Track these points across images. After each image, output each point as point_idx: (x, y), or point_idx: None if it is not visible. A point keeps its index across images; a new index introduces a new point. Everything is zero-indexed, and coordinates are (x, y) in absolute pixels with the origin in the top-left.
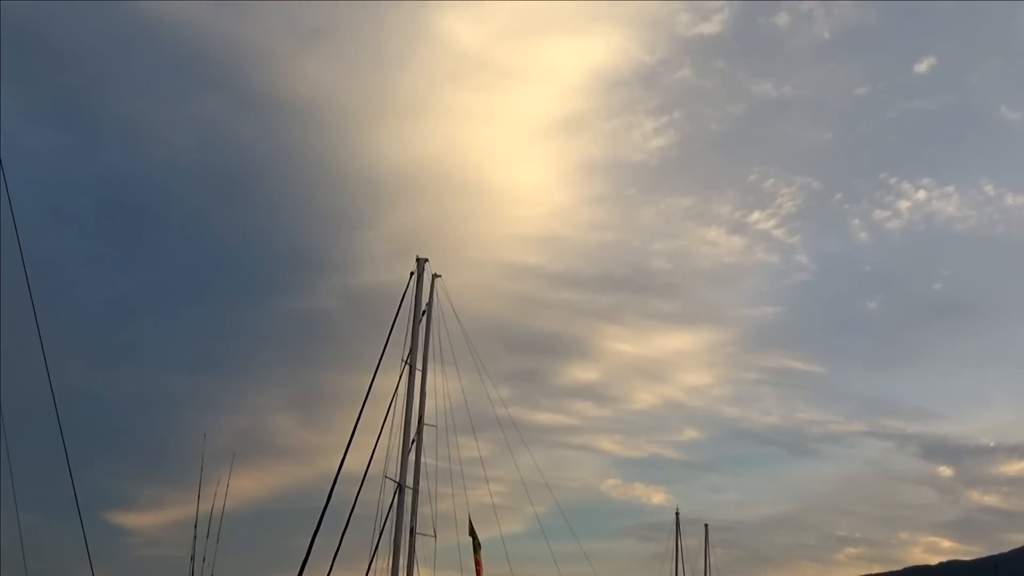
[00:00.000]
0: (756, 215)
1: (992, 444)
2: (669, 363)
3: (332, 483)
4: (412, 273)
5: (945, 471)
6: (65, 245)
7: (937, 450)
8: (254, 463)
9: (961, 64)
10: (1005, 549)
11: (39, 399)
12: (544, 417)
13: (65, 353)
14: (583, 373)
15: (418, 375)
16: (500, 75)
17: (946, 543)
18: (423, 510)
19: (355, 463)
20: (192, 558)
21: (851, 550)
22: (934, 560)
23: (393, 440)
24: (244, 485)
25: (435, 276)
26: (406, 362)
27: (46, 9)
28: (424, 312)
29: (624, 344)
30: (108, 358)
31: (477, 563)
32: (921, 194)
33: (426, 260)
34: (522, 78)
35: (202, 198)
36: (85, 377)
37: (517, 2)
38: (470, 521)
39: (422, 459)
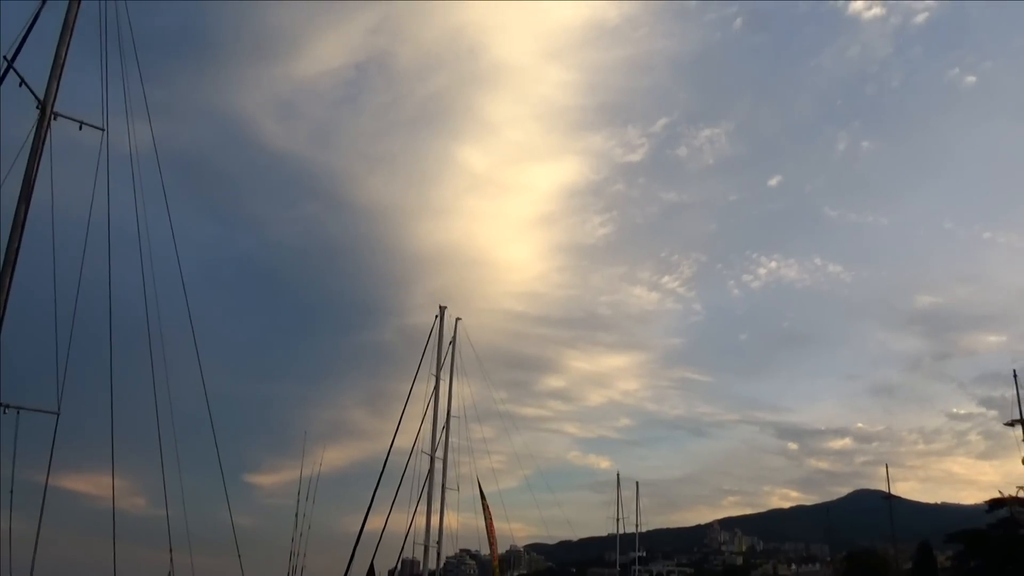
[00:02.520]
0: (666, 278)
1: (823, 428)
2: (611, 375)
3: (386, 455)
4: (436, 316)
5: (792, 446)
6: (217, 299)
7: (787, 432)
8: (339, 442)
9: (798, 180)
10: (833, 498)
11: (201, 402)
12: (529, 411)
13: (219, 371)
14: (554, 382)
15: (443, 384)
16: (500, 188)
17: (794, 493)
18: (450, 473)
19: (404, 442)
20: (297, 504)
21: (732, 498)
22: (787, 505)
23: (427, 426)
24: (333, 456)
25: (457, 319)
26: (434, 374)
27: (206, 144)
28: (451, 343)
29: (581, 363)
30: (246, 374)
31: (485, 508)
32: (773, 264)
33: (446, 307)
34: (514, 190)
35: (306, 269)
36: (232, 387)
37: (511, 139)
38: (478, 481)
39: (450, 439)
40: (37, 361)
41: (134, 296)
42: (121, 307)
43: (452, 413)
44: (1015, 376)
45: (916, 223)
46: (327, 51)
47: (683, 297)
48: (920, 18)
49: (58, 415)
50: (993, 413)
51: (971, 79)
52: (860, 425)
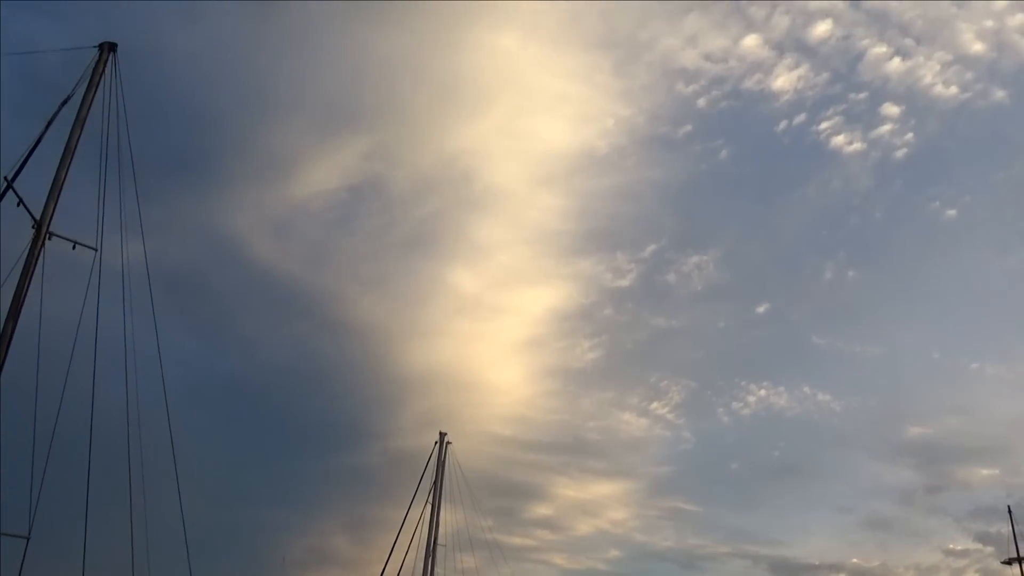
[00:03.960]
0: (655, 404)
1: (817, 563)
2: (600, 504)
3: None
4: (436, 442)
5: None
6: (201, 418)
7: (781, 567)
8: (321, 571)
9: (785, 308)
10: None
11: (177, 525)
12: (516, 540)
13: (199, 493)
14: (542, 510)
15: (432, 510)
16: (490, 311)
17: None
18: None
19: (388, 572)
20: None
21: None
22: None
23: (413, 555)
24: None
25: (447, 443)
26: (428, 501)
27: (198, 261)
28: (439, 468)
29: (569, 490)
30: (226, 496)
31: None
32: (762, 392)
33: (445, 433)
34: (504, 313)
35: (293, 389)
36: (212, 509)
37: (502, 263)
38: None
39: (435, 569)
40: (11, 481)
41: (116, 415)
42: (102, 424)
43: (439, 541)
44: (1010, 512)
45: (903, 353)
46: (322, 174)
47: (673, 424)
48: (900, 153)
49: (28, 539)
50: (990, 549)
51: (952, 212)
52: (855, 560)
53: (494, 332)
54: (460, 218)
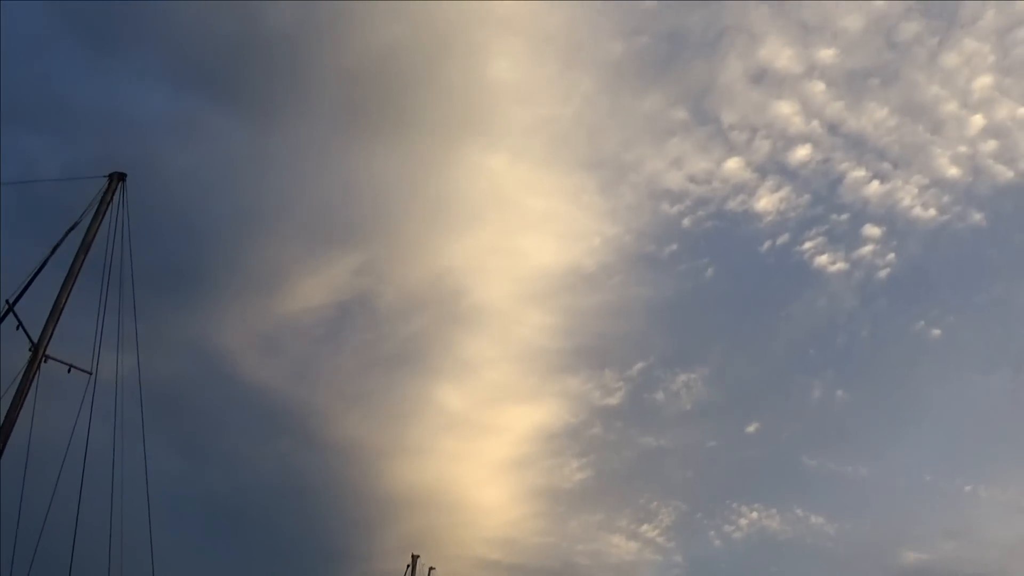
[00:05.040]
0: (645, 527)
1: None
2: None
3: None
4: (408, 565)
5: None
6: (178, 536)
7: None
8: None
9: (776, 428)
10: None
11: None
12: None
13: None
14: None
15: None
16: (476, 429)
17: None
18: None
19: None
20: None
21: None
22: None
23: None
24: None
25: (431, 568)
26: None
27: (185, 376)
28: None
29: None
30: None
31: None
32: (754, 514)
33: (418, 556)
34: (490, 431)
35: (274, 508)
36: None
37: (489, 380)
38: None
39: None
40: None
41: (99, 535)
42: (84, 541)
43: None
44: None
45: (896, 475)
46: (311, 290)
47: (663, 547)
48: (883, 273)
49: None
50: None
51: (937, 332)
52: None
53: (480, 451)
54: (448, 335)
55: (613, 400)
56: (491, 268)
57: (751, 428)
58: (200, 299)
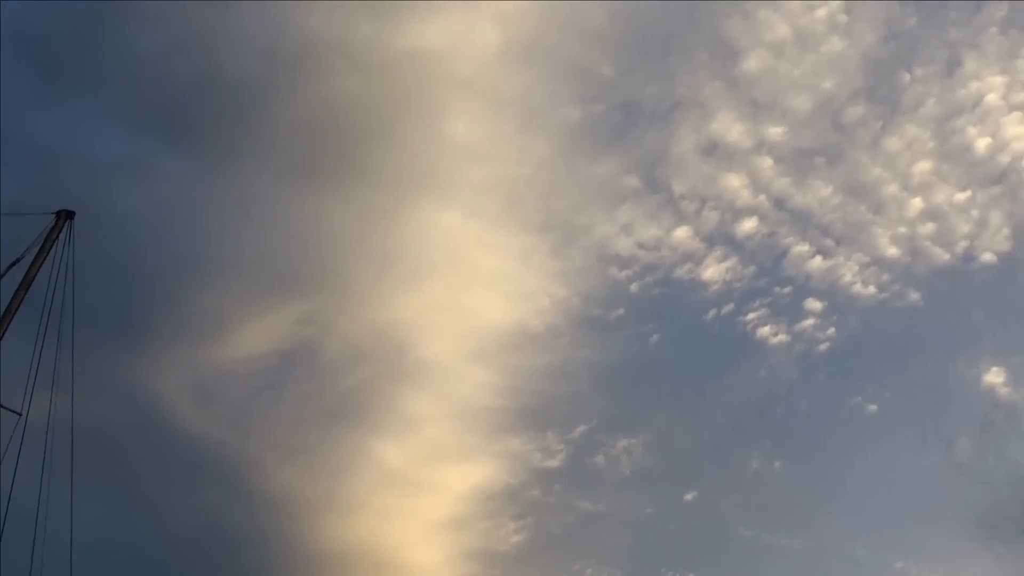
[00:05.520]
0: None
1: None
2: None
3: None
4: None
5: None
6: None
7: None
8: None
9: (713, 497)
10: None
11: None
12: None
13: None
14: None
15: None
16: (414, 486)
17: None
18: None
19: None
20: None
21: None
22: None
23: None
24: None
25: None
26: None
27: (115, 421)
28: None
29: None
30: None
31: None
32: None
33: None
34: (428, 489)
35: (201, 561)
36: None
37: (429, 437)
38: None
39: None
40: None
41: None
42: None
43: None
44: None
45: (829, 548)
46: (253, 337)
47: None
48: (822, 347)
49: None
50: None
51: (873, 408)
52: None
53: (417, 509)
54: (389, 390)
55: (553, 462)
56: (438, 324)
57: (689, 496)
58: (137, 343)
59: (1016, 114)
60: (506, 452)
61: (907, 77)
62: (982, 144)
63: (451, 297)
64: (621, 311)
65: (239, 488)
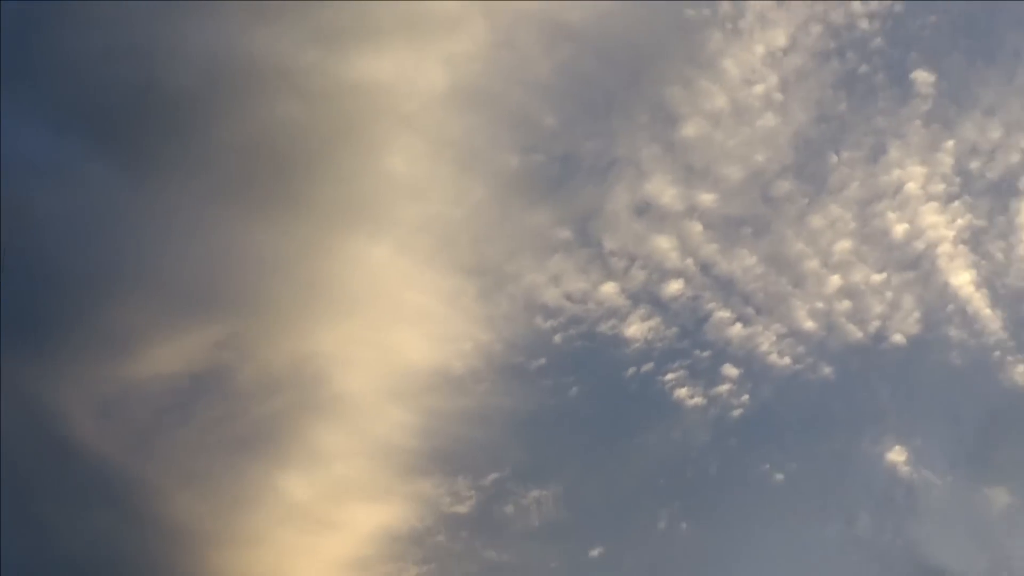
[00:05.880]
0: None
1: None
2: None
3: None
4: None
5: None
6: None
7: None
8: None
9: (619, 554)
10: None
11: None
12: None
13: None
14: None
15: None
16: (318, 523)
17: None
18: None
19: None
20: None
21: None
22: None
23: None
24: None
25: None
26: None
27: (5, 438)
28: None
29: None
30: None
31: None
32: None
33: None
34: (333, 527)
35: None
36: None
37: (339, 473)
38: None
39: None
40: None
41: None
42: None
43: None
44: None
45: None
46: (165, 356)
47: None
48: (736, 413)
49: None
50: None
51: (780, 476)
52: None
53: (319, 547)
54: (302, 422)
55: (462, 508)
56: (358, 359)
57: (595, 552)
58: (39, 351)
59: (933, 203)
60: (415, 494)
61: (834, 159)
62: (900, 229)
63: (374, 333)
64: (543, 360)
65: (132, 512)
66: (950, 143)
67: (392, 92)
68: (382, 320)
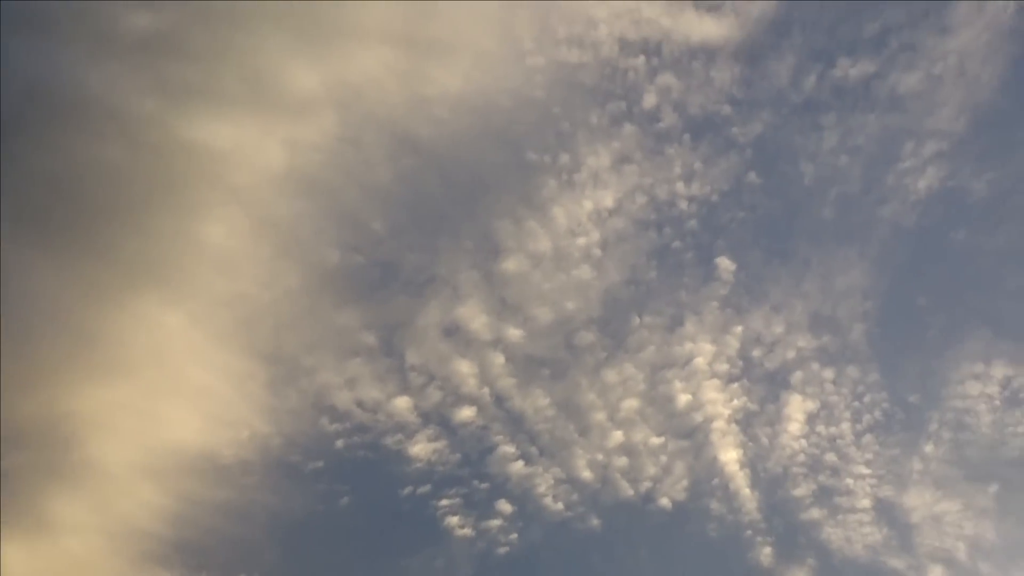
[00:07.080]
0: None
1: None
2: None
3: None
4: None
5: None
6: None
7: None
8: None
9: None
10: None
11: None
12: None
13: None
14: None
15: None
16: None
17: None
18: None
19: None
20: None
21: None
22: None
23: None
24: None
25: None
26: None
27: None
28: None
29: None
30: None
31: None
32: None
33: None
34: None
35: None
36: None
37: (69, 550)
38: None
39: None
40: None
41: None
42: None
43: None
44: None
45: None
46: None
47: None
48: (503, 550)
49: None
50: None
51: None
52: None
53: None
54: (39, 484)
55: None
56: (119, 427)
57: None
58: None
59: (716, 381)
60: None
61: (636, 321)
62: (683, 399)
63: (143, 402)
64: (320, 463)
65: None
66: (739, 328)
67: (226, 160)
68: (156, 390)
